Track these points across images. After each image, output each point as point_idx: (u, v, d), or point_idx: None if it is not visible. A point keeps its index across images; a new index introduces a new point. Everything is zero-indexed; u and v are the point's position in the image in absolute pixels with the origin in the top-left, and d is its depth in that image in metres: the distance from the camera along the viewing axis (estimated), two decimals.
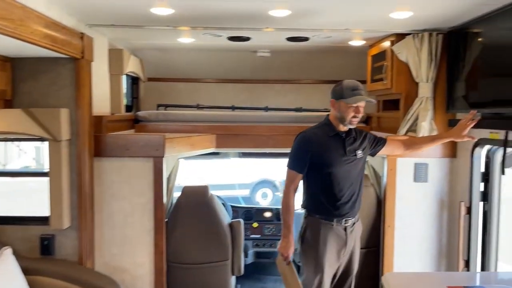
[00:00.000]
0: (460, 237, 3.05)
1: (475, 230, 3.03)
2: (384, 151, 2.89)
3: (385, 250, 3.31)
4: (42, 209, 3.06)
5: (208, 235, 3.40)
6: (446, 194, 3.30)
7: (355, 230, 2.74)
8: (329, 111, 2.75)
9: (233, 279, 3.61)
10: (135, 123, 3.91)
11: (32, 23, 2.21)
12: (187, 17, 2.85)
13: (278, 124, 3.88)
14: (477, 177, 3.00)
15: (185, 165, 4.36)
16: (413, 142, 2.97)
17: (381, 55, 3.52)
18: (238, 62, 4.46)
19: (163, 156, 3.06)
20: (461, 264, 3.07)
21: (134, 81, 4.37)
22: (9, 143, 8.08)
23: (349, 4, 2.54)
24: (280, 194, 8.76)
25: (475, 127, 2.73)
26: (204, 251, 3.40)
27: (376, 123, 3.93)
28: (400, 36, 3.23)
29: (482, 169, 3.00)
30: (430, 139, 2.95)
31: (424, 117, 3.12)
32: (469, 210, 3.03)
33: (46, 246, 2.96)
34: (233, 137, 3.79)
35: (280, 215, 2.77)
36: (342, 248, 2.68)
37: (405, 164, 3.27)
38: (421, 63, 3.12)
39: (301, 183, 2.75)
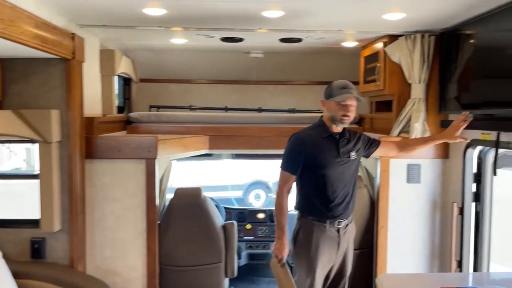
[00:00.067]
0: (453, 238, 3.06)
1: (467, 230, 3.05)
2: (378, 153, 2.90)
3: (379, 251, 3.31)
4: (33, 212, 3.02)
5: (201, 237, 3.38)
6: (438, 195, 3.31)
7: (348, 231, 2.74)
8: (322, 112, 2.75)
9: (226, 281, 3.60)
10: (127, 124, 3.88)
11: (22, 23, 2.18)
12: (180, 17, 2.84)
13: (271, 125, 3.87)
14: (469, 178, 3.02)
15: (177, 167, 4.34)
16: (406, 144, 2.98)
17: (373, 57, 3.53)
18: (231, 63, 4.45)
19: (155, 158, 3.03)
20: (454, 264, 3.08)
21: (126, 82, 4.34)
22: None
23: (342, 5, 2.54)
24: (273, 195, 8.76)
25: (467, 128, 2.75)
26: (197, 253, 3.38)
27: (369, 124, 3.94)
28: (392, 38, 3.24)
29: (474, 170, 3.02)
30: (423, 141, 2.97)
31: (417, 118, 3.13)
32: (461, 211, 3.05)
33: (37, 249, 2.93)
34: (226, 138, 3.77)
35: (273, 217, 2.76)
36: (335, 250, 2.68)
37: (398, 165, 3.28)
38: (413, 65, 3.13)
39: (294, 184, 2.74)
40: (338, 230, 2.67)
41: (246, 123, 3.88)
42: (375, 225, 3.38)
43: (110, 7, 2.60)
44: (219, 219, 3.56)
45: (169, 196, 3.61)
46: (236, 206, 5.43)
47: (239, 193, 9.68)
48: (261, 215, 4.83)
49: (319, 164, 2.62)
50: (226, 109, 4.36)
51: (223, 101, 4.45)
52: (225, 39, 3.52)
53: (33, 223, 2.93)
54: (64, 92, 2.84)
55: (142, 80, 4.46)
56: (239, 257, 4.45)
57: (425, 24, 2.94)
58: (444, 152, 3.28)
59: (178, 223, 3.36)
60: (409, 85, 3.19)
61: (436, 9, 2.61)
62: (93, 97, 3.27)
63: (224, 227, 3.49)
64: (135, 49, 4.16)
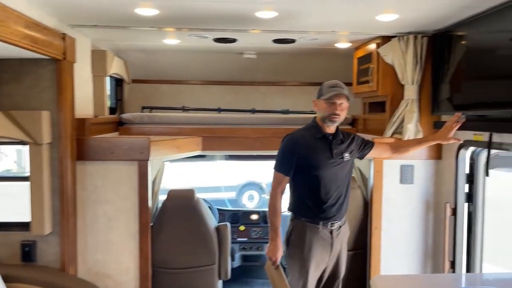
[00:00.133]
0: (446, 238, 3.07)
1: (460, 231, 3.07)
2: (371, 154, 2.90)
3: (372, 252, 3.32)
4: (23, 215, 2.98)
5: (194, 239, 3.36)
6: (431, 196, 3.32)
7: (341, 233, 2.73)
8: (315, 113, 2.74)
9: (220, 283, 3.58)
10: (119, 125, 3.85)
11: (12, 23, 2.15)
12: (172, 18, 2.82)
13: (264, 126, 3.86)
14: (462, 178, 3.04)
15: (170, 168, 4.31)
16: (400, 145, 2.98)
17: (367, 58, 3.54)
18: (224, 64, 4.43)
19: (148, 159, 3.01)
20: (447, 265, 3.09)
21: (118, 82, 4.31)
22: None
23: (335, 6, 2.54)
24: (266, 196, 8.75)
25: (459, 129, 2.76)
26: (190, 255, 3.36)
27: (362, 125, 3.94)
28: (385, 39, 3.25)
29: (467, 171, 3.03)
30: (417, 142, 2.98)
31: (410, 119, 3.14)
32: (454, 211, 3.06)
33: (27, 252, 2.89)
34: (219, 139, 3.76)
35: (267, 218, 2.75)
36: (328, 252, 2.67)
37: (391, 166, 3.29)
38: (406, 66, 3.14)
39: (288, 185, 2.73)
40: (331, 232, 2.66)
41: (239, 124, 3.87)
42: (368, 226, 3.38)
43: (101, 7, 2.57)
44: (212, 221, 3.54)
45: (162, 197, 3.58)
46: (230, 208, 5.41)
47: (232, 194, 9.66)
48: (254, 217, 4.82)
49: (312, 165, 2.61)
50: (219, 110, 4.35)
51: (216, 102, 4.44)
52: (218, 40, 3.50)
53: (24, 226, 2.90)
54: (55, 93, 2.81)
55: (134, 81, 4.43)
56: (233, 259, 4.44)
57: (418, 25, 2.96)
58: (437, 153, 3.29)
59: (171, 225, 3.34)
60: (402, 86, 3.20)
61: (429, 11, 2.61)
62: (85, 98, 3.24)
63: (218, 229, 3.47)
64: (127, 49, 4.13)
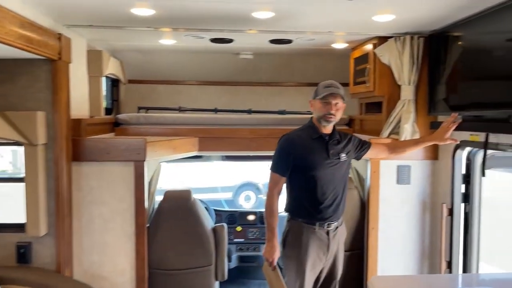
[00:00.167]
0: (442, 239, 3.08)
1: (456, 231, 3.07)
2: (368, 155, 2.89)
3: (369, 252, 3.31)
4: (19, 215, 2.96)
5: (191, 240, 3.35)
6: (428, 196, 3.33)
7: (338, 234, 2.72)
8: (312, 114, 2.74)
9: (216, 284, 3.56)
10: (115, 126, 3.83)
11: (7, 23, 2.13)
12: (169, 18, 2.81)
13: (261, 126, 3.85)
14: (458, 179, 3.04)
15: (167, 169, 4.30)
16: (397, 146, 2.98)
17: (363, 58, 3.54)
18: (221, 64, 4.42)
19: (144, 160, 2.99)
20: (444, 265, 3.09)
21: (114, 83, 4.29)
22: None
23: (332, 6, 2.53)
24: (263, 197, 8.74)
25: (456, 129, 2.76)
26: (187, 257, 3.35)
27: (358, 125, 3.94)
28: (382, 39, 3.25)
29: (463, 171, 3.04)
30: (414, 143, 2.98)
31: (407, 119, 3.14)
32: (451, 212, 3.07)
33: (23, 254, 2.86)
34: (216, 140, 3.75)
35: (264, 219, 2.74)
36: (324, 253, 2.66)
37: (388, 167, 3.29)
38: (403, 66, 3.15)
39: (285, 186, 2.73)
40: (327, 233, 2.65)
41: (236, 125, 3.87)
42: (365, 226, 3.38)
43: (97, 7, 2.56)
44: (209, 222, 3.53)
45: (159, 198, 3.57)
46: (226, 208, 5.41)
47: (229, 195, 9.65)
48: (251, 217, 4.81)
49: (308, 165, 2.61)
50: (216, 110, 4.33)
51: (213, 102, 4.43)
52: (215, 40, 3.49)
53: (19, 227, 2.87)
54: (50, 93, 2.79)
55: (130, 81, 4.42)
56: (230, 260, 4.43)
57: (415, 26, 2.96)
58: (434, 153, 3.29)
59: (168, 226, 3.32)
60: (399, 86, 3.21)
61: (425, 11, 2.62)
62: (80, 99, 3.22)
63: (214, 230, 3.46)
64: (123, 50, 4.11)
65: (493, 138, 2.55)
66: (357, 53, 3.71)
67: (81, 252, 3.00)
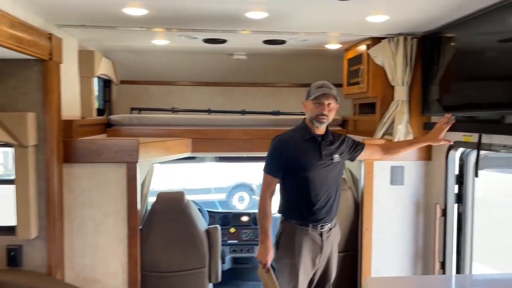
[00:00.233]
0: (436, 239, 3.08)
1: (450, 232, 3.08)
2: (362, 156, 2.89)
3: (363, 253, 3.31)
4: (9, 218, 2.91)
5: (184, 242, 3.32)
6: (422, 197, 3.33)
7: (331, 235, 2.71)
8: (305, 115, 2.73)
9: (210, 287, 3.54)
10: (108, 127, 3.80)
11: None
12: (161, 18, 2.78)
13: (255, 127, 3.84)
14: (451, 179, 3.05)
15: (160, 169, 4.27)
16: (390, 147, 2.98)
17: (357, 59, 3.54)
18: (214, 65, 4.40)
19: (137, 162, 2.96)
20: (437, 266, 3.10)
21: (106, 83, 4.25)
22: None
23: (325, 7, 2.53)
24: (257, 198, 8.73)
25: (449, 130, 2.77)
26: (180, 259, 3.32)
27: (352, 126, 3.94)
28: (376, 40, 3.25)
29: (457, 172, 3.05)
30: (408, 144, 2.98)
31: (400, 120, 3.15)
32: (444, 212, 3.08)
33: (13, 257, 2.82)
34: (209, 141, 3.72)
35: (257, 220, 2.72)
36: (317, 254, 2.65)
37: (381, 167, 3.29)
38: (396, 67, 3.15)
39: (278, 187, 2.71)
40: (321, 234, 2.64)
41: (229, 126, 3.85)
42: (359, 227, 3.38)
43: (88, 6, 2.53)
44: (202, 223, 3.50)
45: (151, 200, 3.54)
46: (220, 210, 5.38)
47: (222, 196, 9.62)
48: (245, 218, 4.79)
49: (301, 166, 2.59)
50: (209, 111, 4.31)
51: (206, 103, 4.40)
52: (208, 41, 3.47)
53: (9, 230, 2.83)
54: (41, 94, 2.75)
55: (122, 82, 4.38)
56: (223, 262, 4.40)
57: (408, 27, 2.96)
58: (427, 154, 3.30)
59: (161, 228, 3.29)
60: (392, 87, 3.21)
61: (419, 12, 2.62)
62: (72, 99, 3.19)
63: (208, 232, 3.44)
64: (115, 50, 4.08)
65: (486, 138, 2.56)
66: (350, 54, 3.71)
67: (72, 255, 2.97)
